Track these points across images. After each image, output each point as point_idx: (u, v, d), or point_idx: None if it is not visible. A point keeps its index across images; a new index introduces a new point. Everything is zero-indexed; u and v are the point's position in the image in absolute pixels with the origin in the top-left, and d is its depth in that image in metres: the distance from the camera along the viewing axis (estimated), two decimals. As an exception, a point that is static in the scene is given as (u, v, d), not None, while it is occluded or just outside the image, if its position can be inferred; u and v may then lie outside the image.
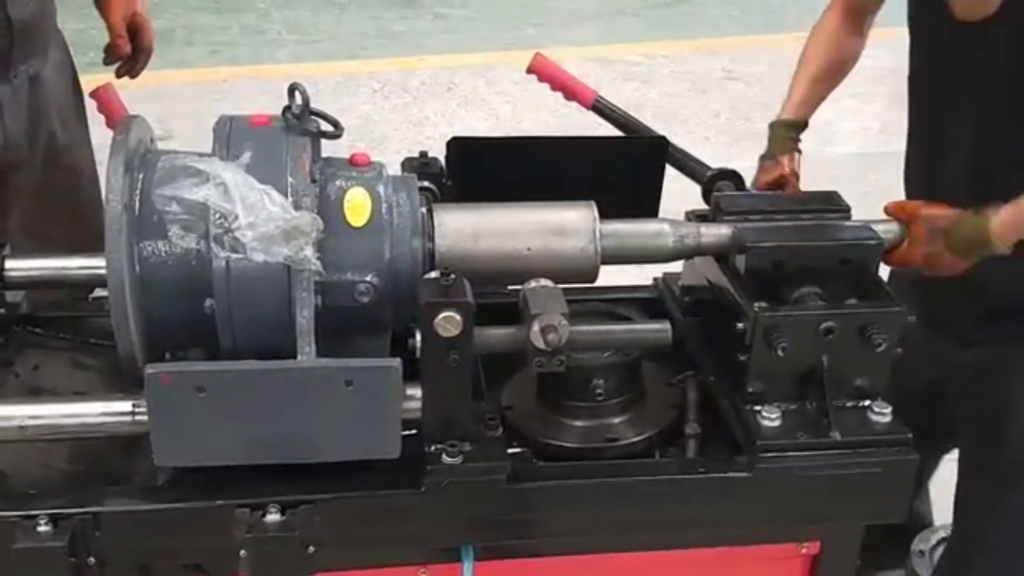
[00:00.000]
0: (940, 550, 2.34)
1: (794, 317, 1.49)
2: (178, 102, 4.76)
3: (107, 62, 2.36)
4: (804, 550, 1.56)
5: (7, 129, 2.11)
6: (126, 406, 1.35)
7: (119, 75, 2.42)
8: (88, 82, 2.00)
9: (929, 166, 1.91)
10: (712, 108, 5.26)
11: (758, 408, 1.50)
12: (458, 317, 1.32)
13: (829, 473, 1.46)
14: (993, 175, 1.76)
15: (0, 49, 2.04)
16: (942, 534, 2.34)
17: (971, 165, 1.80)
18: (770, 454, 1.46)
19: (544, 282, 1.42)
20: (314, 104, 1.43)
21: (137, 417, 1.34)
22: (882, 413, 1.50)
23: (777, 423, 1.49)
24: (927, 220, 1.65)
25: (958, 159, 1.82)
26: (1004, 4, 1.68)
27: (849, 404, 1.51)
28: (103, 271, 1.35)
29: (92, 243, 1.43)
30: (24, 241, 2.15)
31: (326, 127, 1.44)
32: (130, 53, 2.34)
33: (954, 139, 1.82)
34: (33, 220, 2.21)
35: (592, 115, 2.03)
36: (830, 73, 2.03)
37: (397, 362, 1.33)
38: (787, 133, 1.96)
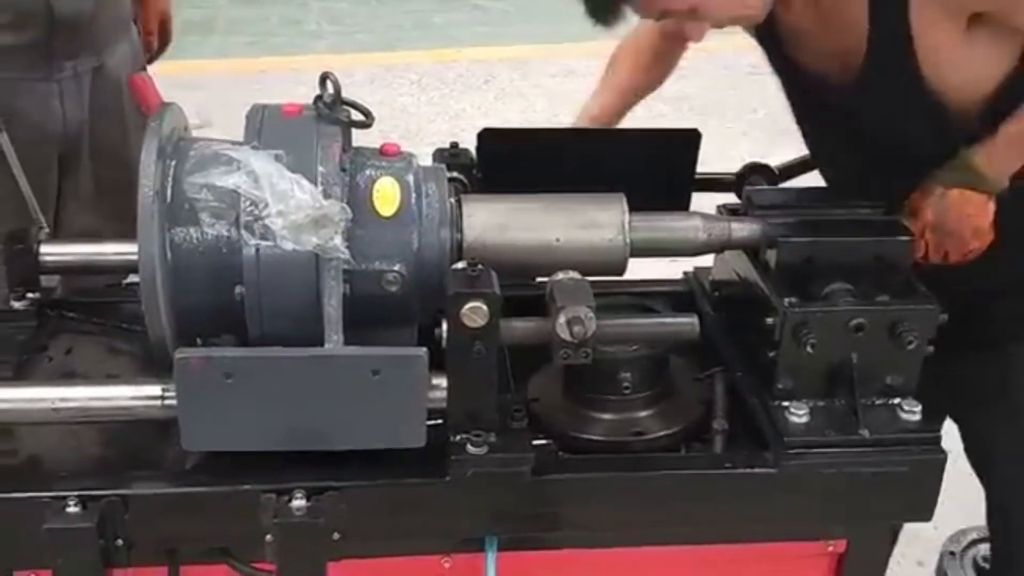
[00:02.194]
0: (972, 552, 2.32)
1: (824, 313, 1.47)
2: (217, 92, 4.81)
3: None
4: (830, 548, 1.54)
5: (67, 118, 2.14)
6: (156, 390, 1.36)
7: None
8: (161, 68, 2.04)
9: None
10: (749, 103, 5.23)
11: (786, 404, 1.49)
12: (484, 308, 1.32)
13: (857, 471, 1.45)
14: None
15: (37, 40, 2.06)
16: (974, 535, 2.32)
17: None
18: (797, 451, 1.45)
19: (571, 274, 1.42)
20: (351, 95, 1.44)
21: (166, 401, 1.36)
22: (912, 411, 1.48)
23: (805, 420, 1.48)
24: (919, 197, 1.64)
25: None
26: None
27: (878, 402, 1.49)
28: (135, 257, 1.37)
29: None
30: (75, 237, 2.18)
31: (357, 116, 1.45)
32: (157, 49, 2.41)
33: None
34: (88, 213, 2.24)
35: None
36: (639, 91, 2.02)
37: (423, 352, 1.33)
38: None
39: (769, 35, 1.73)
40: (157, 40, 2.46)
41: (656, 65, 2.06)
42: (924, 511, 1.49)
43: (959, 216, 1.63)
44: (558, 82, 5.58)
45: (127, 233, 2.12)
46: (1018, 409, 1.82)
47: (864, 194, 1.62)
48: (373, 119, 1.44)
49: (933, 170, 1.67)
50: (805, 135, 1.89)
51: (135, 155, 2.29)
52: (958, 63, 1.59)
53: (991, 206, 1.64)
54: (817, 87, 1.71)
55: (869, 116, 1.67)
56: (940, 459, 1.46)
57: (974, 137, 1.64)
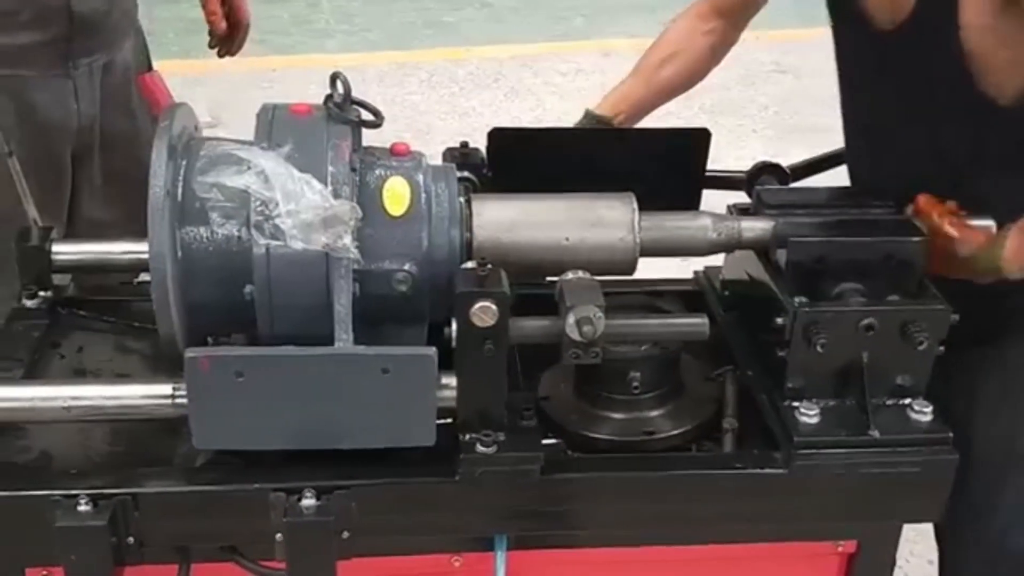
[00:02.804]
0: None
1: (834, 313, 1.47)
2: (227, 90, 4.82)
3: (211, 45, 2.42)
4: (840, 548, 1.54)
5: (81, 113, 2.15)
6: (166, 389, 1.37)
7: (220, 55, 2.49)
8: (172, 67, 2.05)
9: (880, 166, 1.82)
10: (760, 101, 5.22)
11: (796, 404, 1.49)
12: (494, 307, 1.32)
13: (867, 471, 1.44)
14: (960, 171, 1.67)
15: (56, 38, 2.08)
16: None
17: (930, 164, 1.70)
18: (807, 451, 1.45)
19: (581, 273, 1.42)
20: (361, 94, 1.44)
21: (177, 400, 1.36)
22: (923, 412, 1.47)
23: (815, 420, 1.47)
24: (946, 241, 1.55)
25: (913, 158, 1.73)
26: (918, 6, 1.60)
27: (889, 402, 1.49)
28: (147, 256, 1.37)
29: None
30: (88, 230, 2.20)
31: (367, 116, 1.45)
32: (226, 30, 2.40)
33: (904, 139, 1.74)
34: (99, 208, 2.25)
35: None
36: (674, 84, 1.93)
37: (432, 351, 1.33)
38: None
39: None
40: (223, 22, 2.45)
41: (700, 58, 1.96)
42: (934, 511, 1.49)
43: (967, 273, 1.56)
44: (568, 80, 5.58)
45: (136, 225, 2.15)
46: (1014, 408, 1.81)
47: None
48: (383, 119, 1.45)
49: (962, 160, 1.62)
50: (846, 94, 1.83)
51: (145, 147, 2.30)
52: (1007, 42, 1.54)
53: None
54: (867, 32, 1.67)
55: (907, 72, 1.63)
56: (951, 460, 1.45)
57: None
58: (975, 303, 1.50)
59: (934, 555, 1.97)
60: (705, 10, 1.98)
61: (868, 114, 1.82)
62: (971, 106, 1.61)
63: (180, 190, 1.38)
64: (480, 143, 1.73)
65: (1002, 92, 1.58)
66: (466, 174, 1.58)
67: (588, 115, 1.92)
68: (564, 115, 5.05)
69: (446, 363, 1.36)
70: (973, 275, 1.56)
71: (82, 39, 2.11)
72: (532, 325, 1.40)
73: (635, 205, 1.52)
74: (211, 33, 2.44)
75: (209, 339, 1.48)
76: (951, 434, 1.46)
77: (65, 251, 1.67)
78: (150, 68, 2.34)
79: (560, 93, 5.39)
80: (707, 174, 1.77)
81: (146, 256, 1.36)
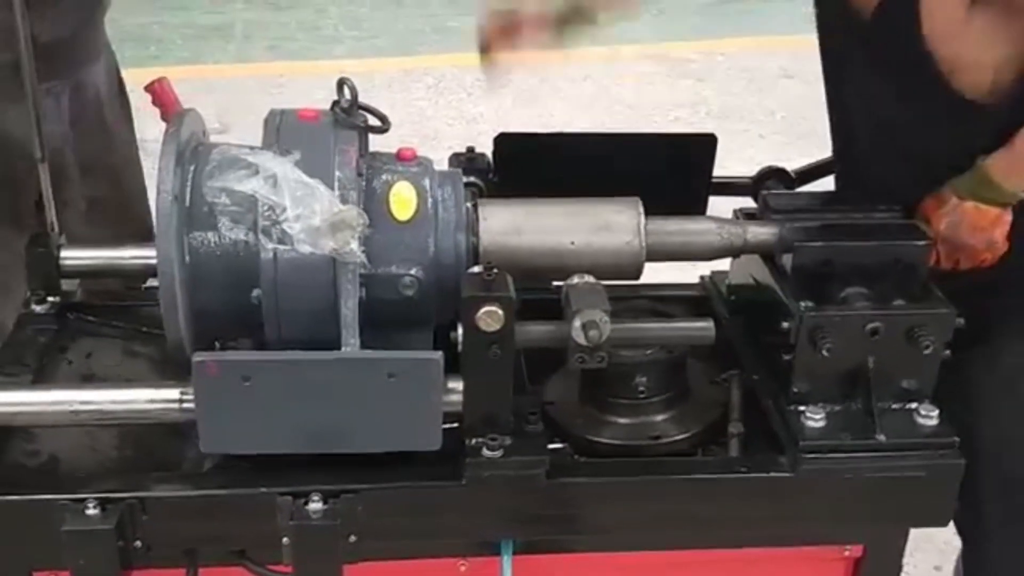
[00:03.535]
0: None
1: (840, 317, 1.47)
2: (235, 96, 4.83)
3: None
4: (847, 553, 1.54)
5: (46, 133, 2.12)
6: (174, 393, 1.38)
7: None
8: (148, 75, 2.03)
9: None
10: (768, 106, 5.22)
11: (802, 408, 1.49)
12: (500, 311, 1.33)
13: (873, 475, 1.45)
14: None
15: (12, 63, 2.03)
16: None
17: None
18: (813, 455, 1.45)
19: (587, 278, 1.42)
20: (369, 99, 1.45)
21: (184, 404, 1.37)
22: (928, 416, 1.48)
23: (821, 424, 1.47)
24: (932, 205, 1.61)
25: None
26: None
27: (895, 406, 1.49)
28: (155, 261, 1.38)
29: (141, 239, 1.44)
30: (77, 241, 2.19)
31: (374, 122, 1.46)
32: None
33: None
34: (87, 233, 2.24)
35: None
36: None
37: (439, 355, 1.34)
38: None
39: None
40: None
41: None
42: (941, 516, 1.49)
43: (972, 229, 1.61)
44: (575, 86, 5.58)
45: (123, 234, 2.14)
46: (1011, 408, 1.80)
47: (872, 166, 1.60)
48: (389, 124, 1.45)
49: (936, 153, 1.63)
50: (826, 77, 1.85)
51: (124, 170, 2.30)
52: (969, 41, 1.55)
53: (1007, 217, 1.62)
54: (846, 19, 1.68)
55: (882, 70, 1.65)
56: (957, 464, 1.45)
57: (982, 127, 1.60)
58: (969, 302, 1.50)
59: (939, 560, 1.98)
60: None
61: (849, 107, 1.82)
62: (947, 103, 1.62)
63: (188, 195, 1.38)
64: (487, 149, 1.74)
65: (975, 91, 1.59)
66: (472, 179, 1.59)
67: None
68: (571, 121, 5.06)
69: (452, 367, 1.37)
70: (976, 215, 1.57)
71: (44, 63, 1.98)
72: (538, 329, 1.41)
73: (641, 209, 1.52)
74: None
75: (216, 343, 1.49)
76: (957, 438, 1.46)
77: (74, 256, 1.68)
78: (119, 77, 2.33)
79: (567, 99, 5.40)
80: (713, 180, 1.78)
81: (154, 261, 1.37)
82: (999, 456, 1.74)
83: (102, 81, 2.27)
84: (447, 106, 5.30)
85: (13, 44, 2.00)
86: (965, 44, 1.57)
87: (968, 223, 1.61)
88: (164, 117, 1.82)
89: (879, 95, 1.71)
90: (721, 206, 1.74)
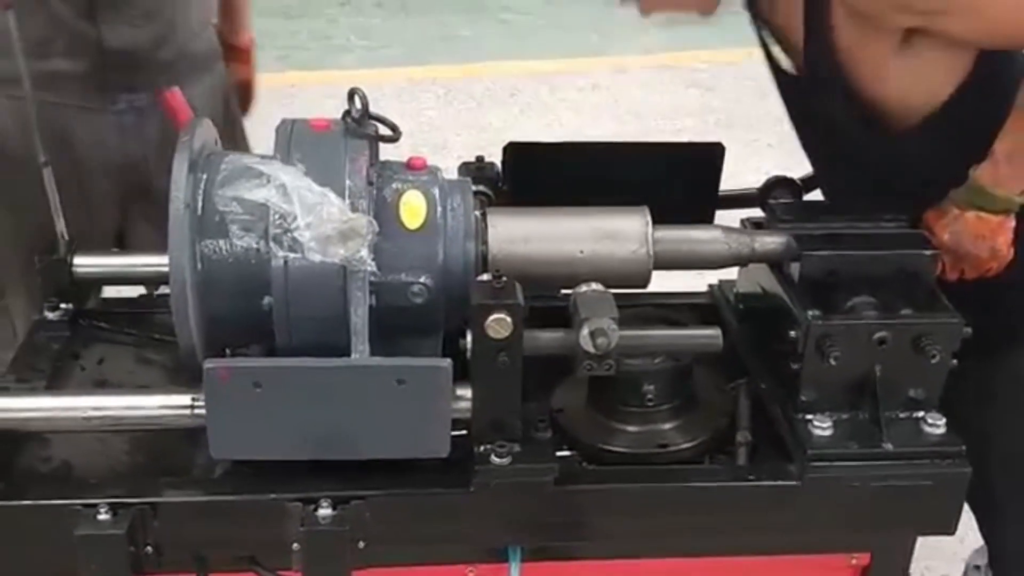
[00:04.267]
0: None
1: (847, 326, 1.48)
2: (247, 105, 4.85)
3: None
4: (854, 561, 1.54)
5: (126, 153, 2.10)
6: (185, 400, 1.39)
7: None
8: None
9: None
10: (775, 115, 5.22)
11: (810, 417, 1.49)
12: (508, 319, 1.34)
13: (880, 484, 1.45)
14: None
15: (90, 70, 2.04)
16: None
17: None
18: (820, 463, 1.45)
19: (594, 286, 1.43)
20: (379, 109, 1.46)
21: (196, 411, 1.38)
22: (935, 425, 1.48)
23: (828, 432, 1.48)
24: (934, 216, 1.64)
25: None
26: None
27: (902, 415, 1.50)
28: (166, 268, 1.39)
29: None
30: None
31: (384, 131, 1.47)
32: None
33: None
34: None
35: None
36: None
37: (448, 362, 1.35)
38: None
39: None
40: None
41: None
42: (947, 524, 1.49)
43: (975, 238, 1.62)
44: (583, 95, 5.60)
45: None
46: (1014, 410, 1.81)
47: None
48: (400, 134, 1.47)
49: (886, 185, 1.68)
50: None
51: None
52: (898, 75, 1.61)
53: (1009, 224, 1.63)
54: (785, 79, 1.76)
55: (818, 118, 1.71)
56: (964, 472, 1.46)
57: (934, 152, 1.65)
58: (975, 312, 1.51)
59: (948, 569, 1.98)
60: None
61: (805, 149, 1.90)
62: (875, 147, 1.68)
63: (201, 203, 1.40)
64: (496, 158, 1.75)
65: (902, 127, 1.65)
66: (481, 188, 1.60)
67: None
68: (579, 130, 5.07)
69: (461, 374, 1.38)
70: (975, 240, 1.60)
71: (118, 74, 2.05)
72: (546, 337, 1.42)
73: (649, 218, 1.53)
74: None
75: (227, 350, 1.50)
76: (964, 447, 1.47)
77: (86, 264, 1.69)
78: (230, 103, 2.32)
79: (575, 108, 5.41)
80: (720, 194, 1.79)
81: (166, 269, 1.39)
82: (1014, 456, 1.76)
83: (202, 102, 2.19)
84: (456, 115, 5.32)
85: (81, 52, 2.01)
86: (909, 80, 1.63)
87: (970, 232, 1.62)
88: (176, 127, 1.83)
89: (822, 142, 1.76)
90: (729, 215, 1.75)
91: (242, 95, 2.44)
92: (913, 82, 1.63)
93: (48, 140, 1.82)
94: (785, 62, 1.76)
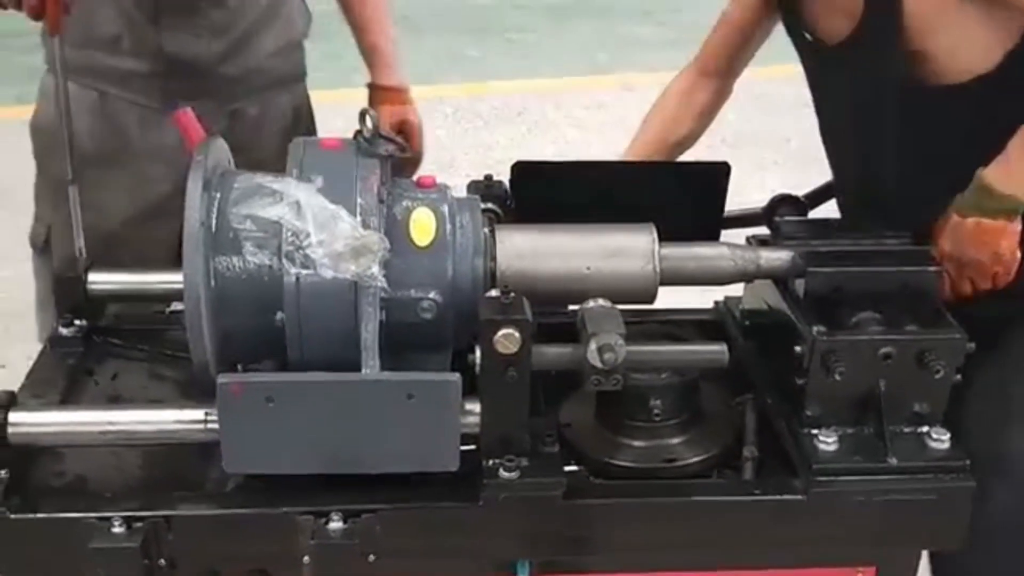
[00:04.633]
0: None
1: (852, 342, 1.49)
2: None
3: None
4: (859, 574, 1.55)
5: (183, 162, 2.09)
6: (199, 414, 1.41)
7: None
8: None
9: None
10: (783, 133, 5.25)
11: (815, 431, 1.51)
12: (517, 334, 1.36)
13: (885, 498, 1.46)
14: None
15: (153, 73, 2.05)
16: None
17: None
18: (826, 477, 1.47)
19: (602, 302, 1.45)
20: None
21: (209, 425, 1.40)
22: (940, 439, 1.49)
23: (834, 447, 1.49)
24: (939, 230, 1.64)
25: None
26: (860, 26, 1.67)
27: (907, 430, 1.51)
28: (180, 285, 1.41)
29: None
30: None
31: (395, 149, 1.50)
32: None
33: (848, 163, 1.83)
34: None
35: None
36: (669, 145, 1.97)
37: (457, 377, 1.37)
38: None
39: None
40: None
41: (688, 116, 2.02)
42: (953, 538, 1.50)
43: (976, 243, 1.63)
44: (590, 114, 5.63)
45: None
46: (1012, 411, 1.81)
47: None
48: (409, 152, 1.49)
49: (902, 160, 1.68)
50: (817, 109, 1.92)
51: None
52: (949, 30, 1.61)
53: (1014, 227, 1.63)
54: (819, 43, 1.75)
55: (859, 76, 1.71)
56: (968, 486, 1.47)
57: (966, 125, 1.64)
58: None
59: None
60: (693, 75, 2.04)
61: (832, 129, 1.89)
62: (921, 101, 1.67)
63: (215, 221, 1.42)
64: (504, 176, 1.77)
65: (942, 78, 1.64)
66: (490, 205, 1.62)
67: None
68: (586, 149, 5.10)
69: (470, 389, 1.39)
70: (977, 245, 1.60)
71: (178, 80, 2.06)
72: (554, 352, 1.44)
73: (655, 235, 1.55)
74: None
75: (239, 366, 1.52)
76: (968, 461, 1.48)
77: (101, 280, 1.72)
78: (310, 128, 2.31)
79: (582, 127, 5.44)
80: (725, 215, 1.80)
81: (179, 286, 1.41)
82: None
83: (276, 115, 2.22)
84: (464, 135, 5.35)
85: (145, 54, 2.03)
86: (959, 37, 1.62)
87: (970, 237, 1.63)
88: (189, 147, 1.85)
89: (861, 117, 1.77)
90: (735, 232, 1.76)
91: (407, 134, 2.35)
92: (961, 39, 1.62)
93: (109, 132, 1.85)
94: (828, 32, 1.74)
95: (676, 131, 2.00)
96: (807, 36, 1.80)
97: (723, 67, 2.02)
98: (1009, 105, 1.63)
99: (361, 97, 2.40)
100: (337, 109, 2.33)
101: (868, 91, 1.75)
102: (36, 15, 1.75)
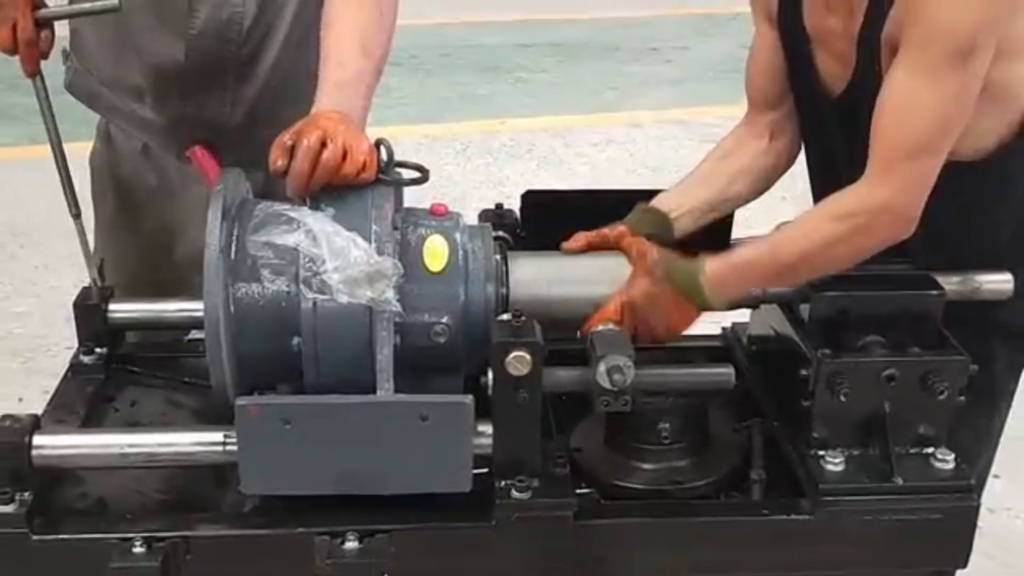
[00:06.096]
0: None
1: (857, 364, 1.52)
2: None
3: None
4: (866, 594, 1.57)
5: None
6: (217, 436, 1.44)
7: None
8: None
9: None
10: (791, 170, 5.29)
11: (822, 453, 1.53)
12: (528, 357, 1.39)
13: (891, 518, 1.48)
14: None
15: (168, 124, 2.02)
16: None
17: None
18: (832, 498, 1.49)
19: (611, 325, 1.49)
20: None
21: (227, 447, 1.43)
22: (945, 460, 1.52)
23: (840, 468, 1.52)
24: (643, 255, 1.58)
25: None
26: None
27: (912, 450, 1.53)
28: (199, 314, 1.45)
29: None
30: None
31: (411, 174, 1.54)
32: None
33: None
34: None
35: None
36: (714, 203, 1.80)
37: (469, 399, 1.40)
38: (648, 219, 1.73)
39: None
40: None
41: (740, 175, 1.88)
42: (958, 558, 1.52)
43: (664, 313, 1.57)
44: (599, 150, 5.68)
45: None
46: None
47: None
48: (428, 173, 1.53)
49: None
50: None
51: None
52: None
53: (699, 315, 1.59)
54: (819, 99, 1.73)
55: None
56: (973, 507, 1.49)
57: None
58: None
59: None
60: (759, 127, 1.92)
61: (827, 176, 1.86)
62: None
63: (234, 249, 1.46)
64: (514, 206, 1.81)
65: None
66: (501, 233, 1.66)
67: (638, 211, 1.75)
68: (594, 184, 5.14)
69: (483, 411, 1.42)
70: (665, 322, 1.57)
71: (193, 133, 1.98)
72: (565, 374, 1.47)
73: (662, 262, 1.58)
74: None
75: (255, 392, 1.55)
76: (973, 481, 1.50)
77: (121, 310, 1.76)
78: None
79: (591, 163, 5.49)
80: (732, 242, 1.83)
81: (198, 314, 1.45)
82: None
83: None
84: (474, 171, 5.40)
85: (166, 110, 1.98)
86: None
87: (661, 308, 1.58)
88: (207, 182, 1.89)
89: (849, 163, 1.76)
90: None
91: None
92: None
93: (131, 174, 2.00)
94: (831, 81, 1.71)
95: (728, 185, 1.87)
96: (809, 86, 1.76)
97: (771, 98, 1.88)
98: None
99: (374, 134, 2.44)
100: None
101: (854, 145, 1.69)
102: (9, 52, 1.79)
